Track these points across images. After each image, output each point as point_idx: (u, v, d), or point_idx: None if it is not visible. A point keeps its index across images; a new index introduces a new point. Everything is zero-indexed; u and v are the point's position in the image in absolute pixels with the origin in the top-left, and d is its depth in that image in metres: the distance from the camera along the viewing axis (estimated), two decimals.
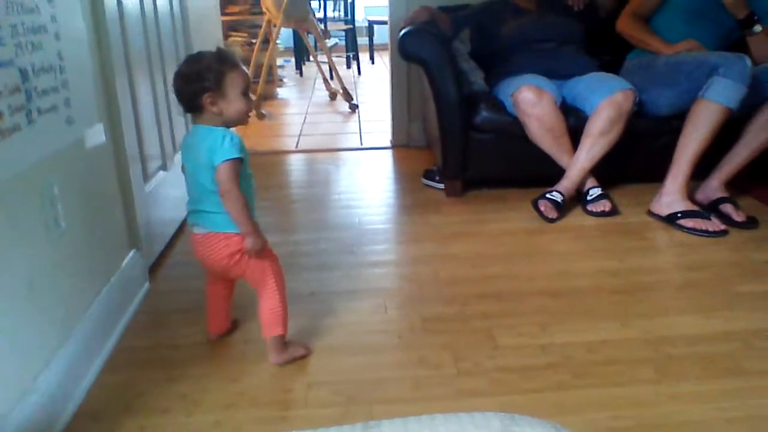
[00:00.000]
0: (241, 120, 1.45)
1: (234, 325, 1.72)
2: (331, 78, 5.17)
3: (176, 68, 1.46)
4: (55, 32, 1.46)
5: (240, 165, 1.41)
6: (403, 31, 2.75)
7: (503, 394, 1.45)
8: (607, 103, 2.49)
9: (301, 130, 4.15)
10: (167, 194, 2.26)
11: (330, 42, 5.46)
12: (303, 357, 1.57)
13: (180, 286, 2.02)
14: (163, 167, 2.27)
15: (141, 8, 2.12)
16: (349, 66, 6.60)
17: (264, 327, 1.52)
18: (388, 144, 3.66)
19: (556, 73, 2.71)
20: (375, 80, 6.05)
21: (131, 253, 1.87)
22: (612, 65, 2.84)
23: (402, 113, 3.58)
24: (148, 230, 2.03)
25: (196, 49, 2.70)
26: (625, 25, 2.81)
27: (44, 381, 1.31)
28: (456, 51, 2.85)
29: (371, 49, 7.29)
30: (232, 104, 1.42)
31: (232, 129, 1.46)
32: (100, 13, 1.75)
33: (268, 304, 1.51)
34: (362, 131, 4.08)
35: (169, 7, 2.44)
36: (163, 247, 2.21)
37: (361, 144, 3.77)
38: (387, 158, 3.50)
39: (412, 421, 0.70)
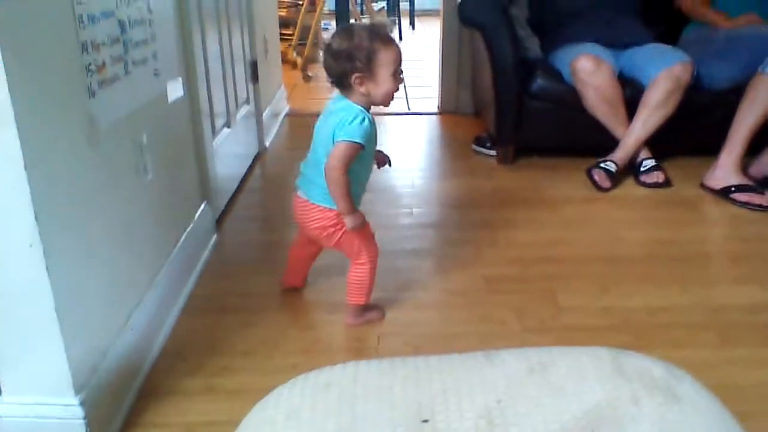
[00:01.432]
0: (387, 101, 1.40)
1: (305, 284, 1.76)
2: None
3: (327, 42, 1.41)
4: None
5: (358, 150, 1.37)
6: None
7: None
8: (665, 74, 2.48)
9: None
10: (231, 150, 2.32)
11: (376, 6, 5.44)
12: (376, 321, 1.60)
13: (245, 238, 2.10)
14: (228, 124, 2.32)
15: None
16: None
17: (348, 292, 1.56)
18: (436, 110, 3.68)
19: (614, 41, 2.70)
20: (417, 45, 6.03)
21: (203, 205, 1.93)
22: (668, 36, 2.82)
23: (451, 79, 3.59)
24: (216, 184, 2.09)
25: (257, 7, 2.78)
26: (690, 5, 2.79)
27: (136, 319, 1.38)
28: (513, 17, 2.84)
29: (412, 15, 7.24)
30: (381, 85, 1.37)
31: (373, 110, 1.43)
32: None
33: (357, 275, 1.53)
34: (408, 96, 4.09)
35: None
36: (227, 200, 2.28)
37: (408, 109, 3.79)
38: (435, 124, 3.52)
39: (530, 352, 0.75)
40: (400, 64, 1.38)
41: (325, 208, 1.46)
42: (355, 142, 1.36)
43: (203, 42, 2.01)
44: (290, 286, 1.72)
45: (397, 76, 1.39)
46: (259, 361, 1.46)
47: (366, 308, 1.59)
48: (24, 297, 1.06)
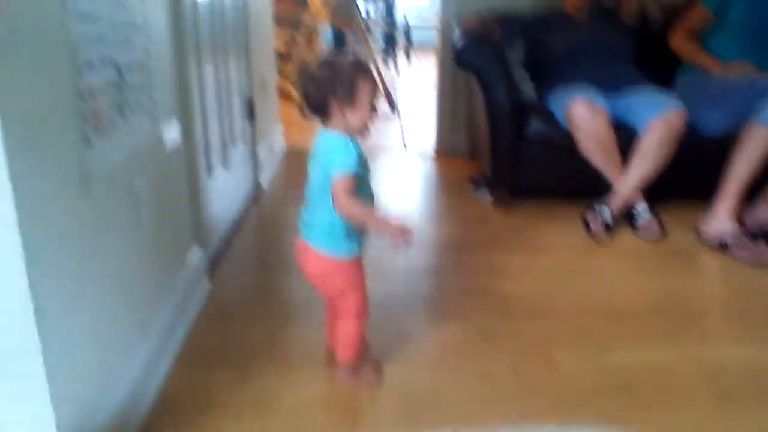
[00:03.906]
0: (363, 130, 1.41)
1: None
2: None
3: (306, 70, 1.42)
4: (144, 29, 1.50)
5: (356, 180, 1.37)
6: (459, 40, 2.77)
7: (565, 413, 1.47)
8: (659, 122, 2.49)
9: None
10: (226, 190, 2.30)
11: (373, 43, 5.48)
12: (370, 383, 1.55)
13: (241, 282, 2.06)
14: (223, 163, 2.30)
15: (212, 3, 2.16)
16: (387, 66, 6.61)
17: (339, 350, 1.53)
18: (431, 151, 3.68)
19: (607, 84, 2.72)
20: (414, 82, 6.07)
21: (196, 249, 1.90)
22: (663, 78, 2.84)
23: (447, 120, 3.60)
24: (210, 226, 2.07)
25: (254, 42, 2.78)
26: (677, 41, 2.83)
27: (128, 373, 1.34)
28: (508, 60, 2.86)
29: (408, 49, 7.31)
30: (360, 113, 1.38)
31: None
32: (179, 10, 1.78)
33: (345, 331, 1.50)
34: (404, 135, 4.09)
35: (232, 3, 2.48)
36: (222, 243, 2.25)
37: (405, 149, 3.79)
38: (431, 166, 3.51)
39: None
40: (376, 96, 1.40)
41: (321, 254, 1.43)
42: (351, 170, 1.35)
43: (200, 82, 2.01)
44: (331, 347, 1.63)
45: (373, 107, 1.41)
46: (248, 423, 1.41)
47: (360, 366, 1.55)
48: (13, 357, 1.02)
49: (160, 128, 1.61)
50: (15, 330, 1.00)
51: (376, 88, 1.41)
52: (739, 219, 2.43)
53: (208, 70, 2.12)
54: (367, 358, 1.58)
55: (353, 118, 1.38)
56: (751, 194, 2.47)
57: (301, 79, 1.44)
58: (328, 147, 1.37)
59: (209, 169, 2.10)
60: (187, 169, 1.86)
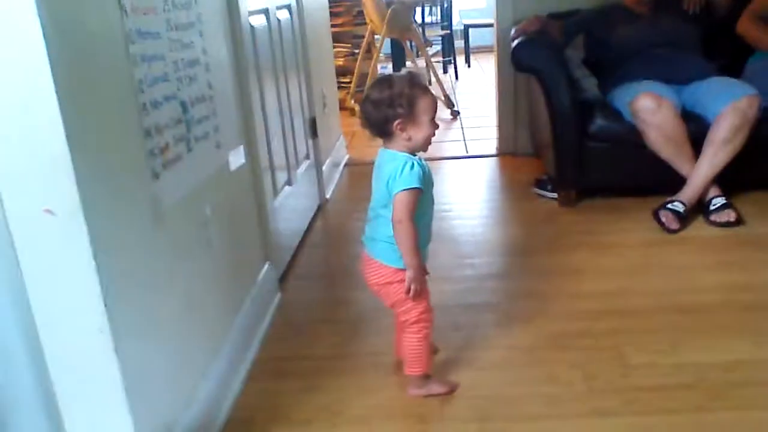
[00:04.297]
0: (426, 146, 1.43)
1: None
2: (430, 84, 5.21)
3: (365, 92, 1.46)
4: (205, 64, 1.57)
5: (418, 195, 1.39)
6: (515, 42, 2.76)
7: (638, 415, 1.45)
8: (730, 109, 2.41)
9: None
10: (292, 207, 2.37)
11: (431, 50, 5.51)
12: (441, 395, 1.54)
13: (309, 296, 2.12)
14: (289, 182, 2.38)
15: (269, 28, 2.24)
16: (445, 71, 6.61)
17: (406, 362, 1.55)
18: (494, 152, 3.66)
19: (674, 78, 2.64)
20: (473, 84, 6.05)
21: (266, 266, 1.98)
22: (731, 68, 2.74)
23: (508, 120, 3.58)
24: (278, 243, 2.14)
25: (313, 61, 2.86)
26: (746, 26, 2.72)
27: (202, 390, 1.41)
28: (568, 58, 2.83)
29: (467, 52, 7.29)
30: (422, 130, 1.40)
31: (419, 155, 1.45)
32: (238, 40, 1.86)
33: (410, 343, 1.51)
34: (466, 138, 4.09)
35: (290, 24, 2.56)
36: (290, 258, 2.32)
37: (467, 152, 3.79)
38: (494, 166, 3.51)
39: None
40: (436, 111, 1.42)
41: (383, 264, 1.47)
42: (414, 188, 1.38)
43: (263, 106, 2.08)
44: (401, 358, 1.63)
45: (434, 122, 1.42)
46: (318, 430, 1.46)
47: (429, 379, 1.55)
48: (93, 379, 1.10)
49: (225, 155, 1.69)
50: (94, 352, 1.08)
51: (435, 101, 1.43)
52: None
53: (270, 92, 2.20)
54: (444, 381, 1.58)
55: (415, 134, 1.40)
56: None
57: (361, 102, 1.47)
58: (390, 167, 1.40)
59: (275, 188, 2.18)
60: (254, 190, 1.94)
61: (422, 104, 1.39)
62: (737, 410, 1.44)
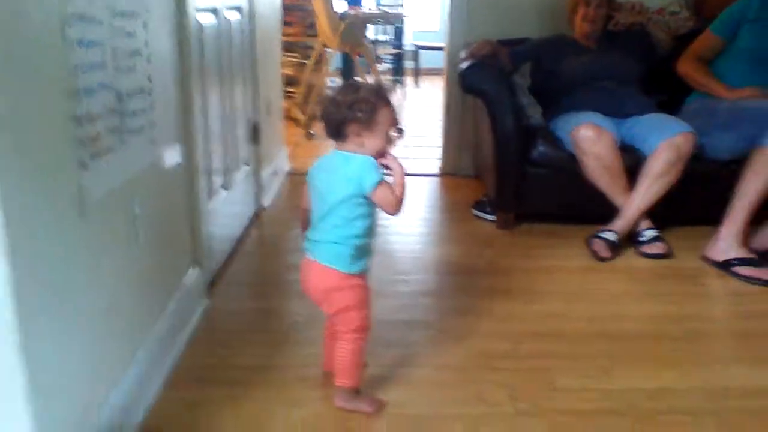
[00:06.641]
0: (376, 156, 1.42)
1: None
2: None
3: (328, 93, 1.47)
4: (147, 56, 1.51)
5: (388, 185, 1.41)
6: (465, 65, 2.78)
7: None
8: (666, 144, 2.48)
9: None
10: (227, 212, 2.31)
11: (381, 67, 5.52)
12: (367, 413, 1.51)
13: (239, 305, 2.06)
14: (225, 186, 2.31)
15: (217, 27, 2.19)
16: (395, 89, 6.66)
17: (337, 373, 1.51)
18: (437, 171, 3.68)
19: (615, 111, 2.71)
20: (420, 105, 6.10)
21: (194, 270, 1.90)
22: (669, 105, 2.83)
23: (452, 141, 3.61)
24: (210, 248, 2.07)
25: (260, 66, 2.81)
26: (686, 66, 2.82)
27: (115, 396, 1.34)
28: (515, 84, 2.87)
29: (417, 73, 7.36)
30: (376, 140, 1.40)
31: None
32: (184, 35, 1.80)
33: (343, 354, 1.48)
34: (409, 157, 4.10)
35: (240, 25, 2.51)
36: (221, 265, 2.25)
37: (409, 170, 3.78)
38: (435, 186, 3.52)
39: None
40: (395, 126, 1.43)
41: (329, 268, 1.44)
42: (382, 178, 1.39)
43: (204, 106, 2.02)
44: (329, 371, 1.60)
45: (389, 137, 1.43)
46: None
47: (358, 393, 1.52)
48: None
49: (160, 151, 1.63)
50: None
51: (395, 116, 1.44)
52: (745, 242, 2.41)
53: (213, 92, 2.14)
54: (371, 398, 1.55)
55: (369, 142, 1.40)
56: (757, 218, 2.45)
57: (323, 100, 1.47)
58: (353, 166, 1.40)
59: (210, 191, 2.11)
60: (188, 191, 1.87)
61: (383, 114, 1.40)
62: None
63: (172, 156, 1.71)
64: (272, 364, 1.70)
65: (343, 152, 1.43)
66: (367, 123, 1.39)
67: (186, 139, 1.85)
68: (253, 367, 1.69)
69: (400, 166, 1.44)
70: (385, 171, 1.42)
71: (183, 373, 1.65)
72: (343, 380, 1.50)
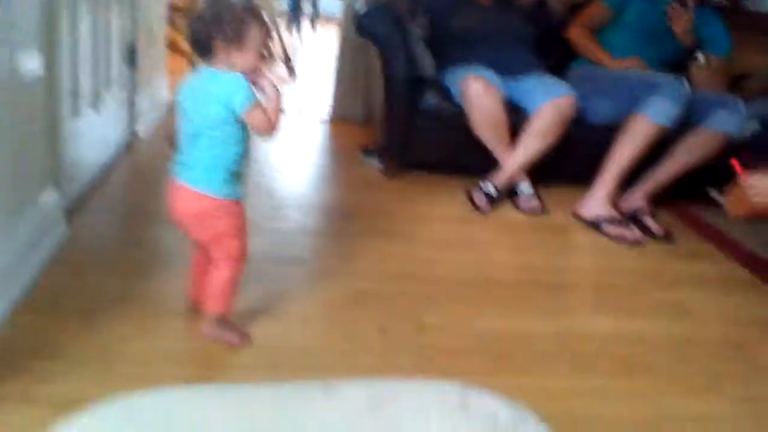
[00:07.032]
0: (247, 74, 1.34)
1: None
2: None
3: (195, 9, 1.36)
4: None
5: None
6: (362, 9, 2.71)
7: (429, 373, 1.47)
8: (550, 105, 2.54)
9: None
10: (96, 135, 2.14)
11: (278, 8, 5.33)
12: (233, 345, 1.46)
13: (102, 233, 1.93)
14: (94, 106, 2.14)
15: None
16: (290, 31, 6.45)
17: (208, 298, 1.45)
18: (327, 116, 3.61)
19: (504, 68, 2.74)
20: (317, 51, 5.96)
21: (51, 191, 1.75)
22: (556, 69, 2.90)
23: (344, 87, 3.54)
24: (72, 171, 1.91)
25: None
26: (575, 33, 2.90)
27: None
28: (410, 33, 2.83)
29: (314, 17, 7.18)
30: (247, 58, 1.32)
31: None
32: None
33: (218, 280, 1.42)
34: (300, 101, 4.00)
35: None
36: (87, 190, 2.09)
37: (300, 114, 3.70)
38: (325, 131, 3.45)
39: (374, 384, 0.69)
40: (266, 45, 1.36)
41: (202, 193, 1.36)
42: (254, 99, 1.31)
43: (71, 14, 1.84)
44: (197, 301, 1.53)
45: (261, 55, 1.35)
46: (93, 369, 1.31)
47: (227, 323, 1.47)
48: None
49: (16, 56, 1.46)
50: None
51: (267, 34, 1.35)
52: (614, 203, 2.53)
53: (85, 6, 1.96)
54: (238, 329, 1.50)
55: (238, 60, 1.32)
56: (627, 182, 2.58)
57: (189, 17, 1.35)
58: (222, 84, 1.30)
59: (75, 109, 1.95)
60: (48, 104, 1.71)
61: (252, 32, 1.32)
62: (516, 376, 1.52)
63: (30, 64, 1.54)
64: (132, 294, 1.60)
65: (212, 69, 1.34)
66: (236, 40, 1.30)
67: (49, 47, 1.68)
68: (112, 296, 1.59)
69: (275, 86, 1.37)
70: (258, 91, 1.35)
71: (35, 298, 1.52)
72: (213, 307, 1.44)
